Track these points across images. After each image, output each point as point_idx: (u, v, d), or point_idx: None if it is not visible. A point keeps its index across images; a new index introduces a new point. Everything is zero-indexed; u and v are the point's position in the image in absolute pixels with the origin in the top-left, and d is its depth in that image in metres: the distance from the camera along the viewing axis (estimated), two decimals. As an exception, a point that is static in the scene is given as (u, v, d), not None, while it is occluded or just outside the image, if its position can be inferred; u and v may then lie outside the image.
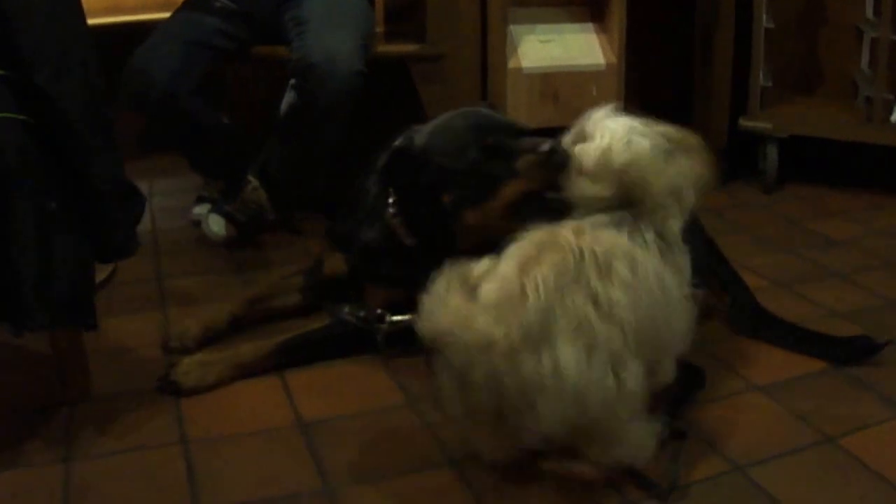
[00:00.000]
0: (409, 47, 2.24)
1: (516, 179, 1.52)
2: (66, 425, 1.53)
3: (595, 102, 2.27)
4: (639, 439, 1.29)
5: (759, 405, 1.58)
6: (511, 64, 2.31)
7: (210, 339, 1.77)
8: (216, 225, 2.31)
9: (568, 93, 2.34)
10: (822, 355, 1.73)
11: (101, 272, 2.08)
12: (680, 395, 1.53)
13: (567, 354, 1.18)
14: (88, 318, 1.49)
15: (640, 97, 2.87)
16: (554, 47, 2.36)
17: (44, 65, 1.34)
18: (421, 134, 1.61)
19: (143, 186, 2.70)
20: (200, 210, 2.42)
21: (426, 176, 1.57)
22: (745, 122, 2.62)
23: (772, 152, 2.63)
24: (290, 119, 2.19)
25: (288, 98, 2.19)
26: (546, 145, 1.47)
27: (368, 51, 2.12)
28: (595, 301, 1.21)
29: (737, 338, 1.80)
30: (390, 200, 1.67)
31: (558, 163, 1.41)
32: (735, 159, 2.71)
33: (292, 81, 2.13)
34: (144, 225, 2.44)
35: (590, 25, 2.41)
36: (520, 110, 2.33)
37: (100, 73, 1.44)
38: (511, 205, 1.53)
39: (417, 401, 1.60)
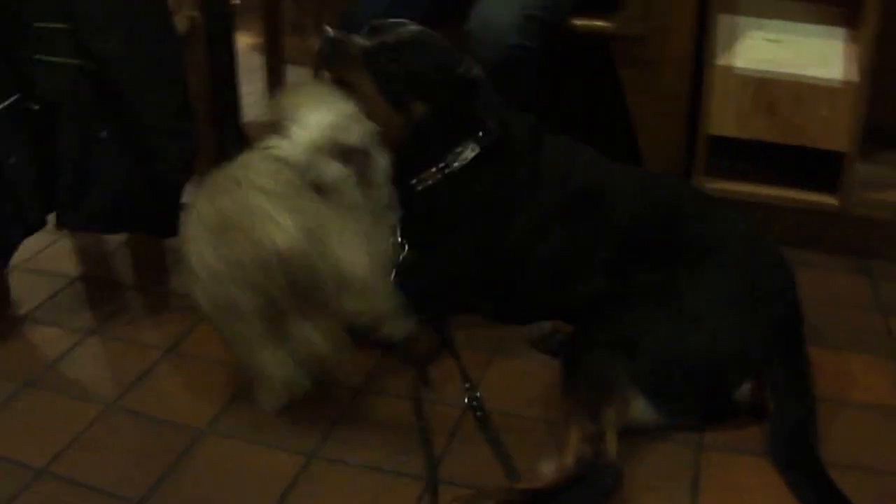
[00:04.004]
0: (600, 23, 2.05)
1: None
2: (121, 302, 1.86)
3: (824, 124, 1.92)
4: None
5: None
6: (721, 60, 1.97)
7: None
8: None
9: (788, 107, 1.94)
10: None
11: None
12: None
13: None
14: (138, 228, 1.81)
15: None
16: (781, 49, 1.95)
17: (87, 23, 1.62)
18: None
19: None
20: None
21: None
22: None
23: None
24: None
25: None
26: None
27: (540, 23, 1.98)
28: None
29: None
30: None
31: None
32: None
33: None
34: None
35: (840, 31, 1.93)
36: (726, 116, 2.00)
37: (157, 32, 1.68)
38: None
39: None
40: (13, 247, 1.77)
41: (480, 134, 1.66)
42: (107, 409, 1.54)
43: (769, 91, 1.95)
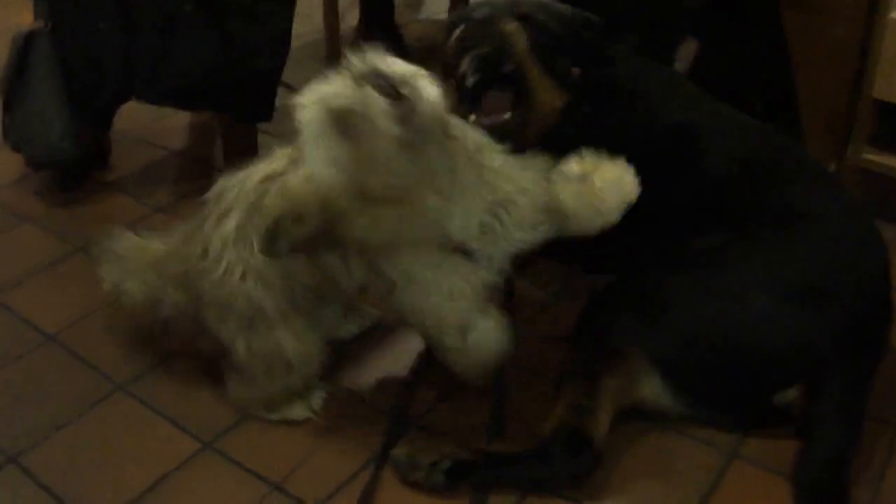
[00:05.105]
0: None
1: None
2: (200, 183, 1.82)
3: None
4: None
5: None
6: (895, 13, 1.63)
7: None
8: None
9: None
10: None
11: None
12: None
13: None
14: (221, 109, 1.77)
15: None
16: (976, 6, 1.58)
17: None
18: None
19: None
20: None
21: None
22: None
23: None
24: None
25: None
26: None
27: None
28: None
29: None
30: None
31: None
32: None
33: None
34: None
35: None
36: (893, 79, 1.67)
37: None
38: None
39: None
40: (103, 114, 1.80)
41: None
42: (136, 287, 1.54)
43: (950, 56, 1.60)
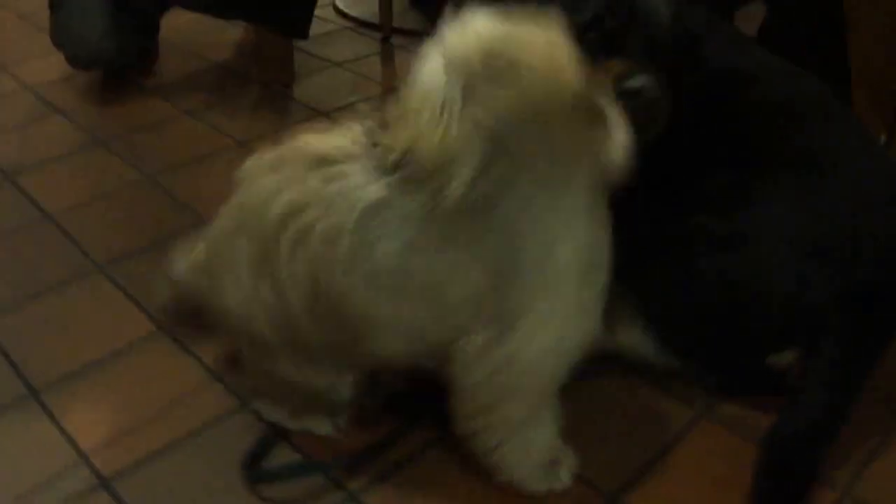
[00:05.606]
0: None
1: None
2: (231, 91, 1.86)
3: None
4: None
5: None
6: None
7: None
8: None
9: None
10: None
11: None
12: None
13: None
14: (258, 20, 1.77)
15: None
16: None
17: None
18: None
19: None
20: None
21: None
22: None
23: None
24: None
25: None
26: None
27: None
28: None
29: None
30: None
31: None
32: None
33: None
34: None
35: None
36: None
37: None
38: None
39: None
40: (146, 19, 1.82)
41: None
42: (145, 178, 1.56)
43: None
